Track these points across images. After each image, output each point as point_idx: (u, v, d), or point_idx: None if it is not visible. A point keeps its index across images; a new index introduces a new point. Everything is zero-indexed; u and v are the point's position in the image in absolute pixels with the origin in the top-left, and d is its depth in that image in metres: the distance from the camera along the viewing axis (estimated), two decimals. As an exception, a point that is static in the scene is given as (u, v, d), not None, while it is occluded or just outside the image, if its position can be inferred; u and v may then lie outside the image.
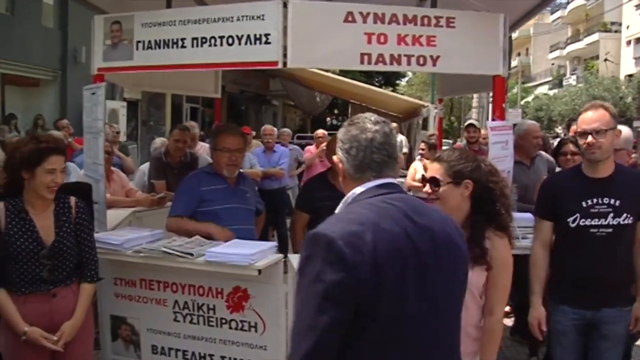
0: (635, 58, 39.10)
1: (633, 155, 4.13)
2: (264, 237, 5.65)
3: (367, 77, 26.00)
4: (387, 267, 1.67)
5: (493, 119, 4.04)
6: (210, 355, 3.78)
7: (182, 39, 3.90)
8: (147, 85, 6.21)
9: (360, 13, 3.71)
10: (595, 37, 44.57)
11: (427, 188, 2.79)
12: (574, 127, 5.42)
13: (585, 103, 3.92)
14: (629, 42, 40.55)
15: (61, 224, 3.19)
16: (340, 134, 2.03)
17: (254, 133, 10.08)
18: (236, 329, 3.69)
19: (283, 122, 28.31)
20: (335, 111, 27.11)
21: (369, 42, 3.71)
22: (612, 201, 3.19)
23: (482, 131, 8.09)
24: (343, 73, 17.57)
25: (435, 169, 2.78)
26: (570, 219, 3.25)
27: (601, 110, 3.22)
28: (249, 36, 3.75)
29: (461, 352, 2.54)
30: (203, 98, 19.47)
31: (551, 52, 53.83)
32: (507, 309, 5.19)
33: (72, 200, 3.30)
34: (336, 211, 1.93)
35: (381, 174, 1.93)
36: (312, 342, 1.63)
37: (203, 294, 3.74)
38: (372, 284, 1.65)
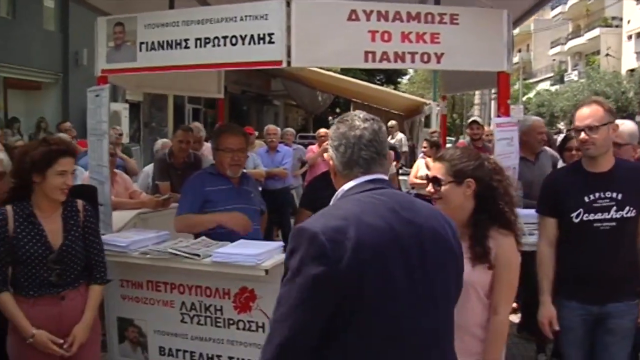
0: (636, 53, 39.04)
1: (639, 150, 4.10)
2: (268, 237, 5.65)
3: (369, 75, 25.95)
4: (371, 261, 1.70)
5: (498, 116, 4.03)
6: (218, 356, 3.77)
7: (186, 40, 3.90)
8: (149, 86, 6.22)
9: (364, 11, 3.70)
10: (596, 32, 44.50)
11: (430, 187, 2.79)
12: (575, 123, 5.41)
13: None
14: (630, 37, 40.49)
15: (69, 228, 3.19)
16: (331, 131, 2.08)
17: (256, 133, 10.08)
18: (244, 329, 3.68)
19: (285, 122, 28.32)
20: (338, 110, 27.05)
21: (373, 40, 3.70)
22: (614, 195, 3.20)
23: (486, 128, 8.09)
24: (344, 72, 17.56)
25: (437, 169, 2.77)
26: (574, 215, 3.24)
27: (594, 105, 3.22)
28: (252, 36, 3.75)
29: (466, 352, 2.55)
30: (205, 99, 19.50)
31: (552, 48, 53.76)
32: (514, 305, 5.17)
33: (80, 203, 3.29)
34: None
35: (369, 171, 1.96)
36: (287, 333, 1.69)
37: (210, 295, 3.73)
38: (354, 278, 1.69)
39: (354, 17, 3.70)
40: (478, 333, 2.64)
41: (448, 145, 8.34)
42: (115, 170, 5.79)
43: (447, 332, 1.94)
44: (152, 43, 4.00)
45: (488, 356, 2.64)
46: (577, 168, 3.38)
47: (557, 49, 52.71)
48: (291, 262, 1.73)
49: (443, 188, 2.70)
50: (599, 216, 3.20)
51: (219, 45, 3.83)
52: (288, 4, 3.69)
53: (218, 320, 3.73)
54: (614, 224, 3.19)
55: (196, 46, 3.88)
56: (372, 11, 3.70)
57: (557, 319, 3.31)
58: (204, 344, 3.79)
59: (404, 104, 16.34)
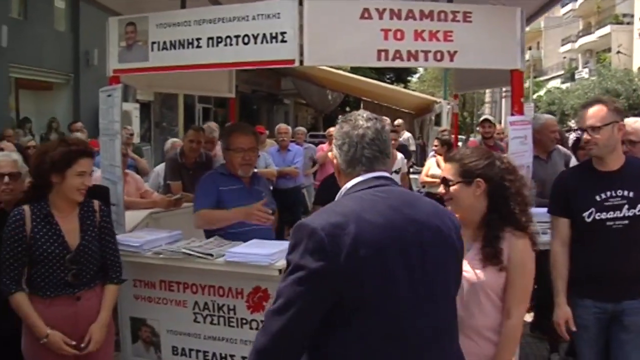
0: (648, 50, 38.77)
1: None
2: (280, 237, 5.65)
3: (379, 73, 25.92)
4: (370, 258, 1.73)
5: (512, 114, 4.00)
6: (231, 356, 3.76)
7: (198, 39, 3.90)
8: (160, 86, 6.22)
9: (377, 9, 3.67)
10: (607, 29, 44.14)
11: (441, 189, 2.77)
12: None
13: (598, 96, 3.92)
14: (641, 34, 40.19)
15: (86, 228, 3.20)
16: (335, 130, 2.12)
17: (267, 132, 10.08)
18: (257, 329, 3.65)
19: (295, 121, 28.33)
20: (347, 109, 27.02)
21: (386, 38, 3.68)
22: (626, 193, 3.18)
23: (497, 126, 8.05)
24: (354, 70, 17.55)
25: (447, 169, 2.75)
26: (586, 214, 3.23)
27: (597, 105, 3.21)
28: (264, 35, 3.74)
29: (477, 355, 2.52)
30: (215, 98, 19.57)
31: (563, 45, 53.37)
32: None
33: (96, 203, 3.31)
34: None
35: (372, 169, 1.99)
36: (283, 324, 1.73)
37: (223, 295, 3.73)
38: (353, 274, 1.72)
39: (366, 15, 3.67)
40: (490, 336, 2.58)
41: (459, 144, 8.31)
42: (127, 170, 5.79)
43: (448, 330, 1.95)
44: (164, 43, 4.00)
45: None
46: (588, 167, 3.37)
47: (568, 46, 52.34)
48: (292, 257, 1.78)
49: (452, 188, 2.68)
50: (611, 215, 3.19)
51: (231, 45, 3.83)
52: (300, 3, 3.67)
53: (231, 319, 3.73)
54: (626, 222, 3.18)
55: (208, 46, 3.88)
56: (384, 9, 3.68)
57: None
58: (217, 344, 3.79)
59: (414, 102, 16.33)
